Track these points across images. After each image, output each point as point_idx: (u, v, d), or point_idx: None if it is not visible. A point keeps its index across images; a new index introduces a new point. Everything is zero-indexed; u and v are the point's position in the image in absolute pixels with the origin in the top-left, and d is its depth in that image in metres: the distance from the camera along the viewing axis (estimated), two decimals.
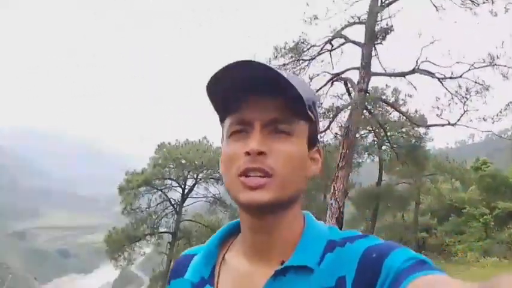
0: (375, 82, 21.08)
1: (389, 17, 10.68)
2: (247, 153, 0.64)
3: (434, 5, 11.30)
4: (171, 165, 23.49)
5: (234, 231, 0.77)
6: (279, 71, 0.62)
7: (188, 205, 24.23)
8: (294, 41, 11.87)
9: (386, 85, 19.10)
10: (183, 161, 23.42)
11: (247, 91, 0.65)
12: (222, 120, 0.71)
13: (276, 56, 11.66)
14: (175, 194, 24.00)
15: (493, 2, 10.55)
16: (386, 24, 10.34)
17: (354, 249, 0.65)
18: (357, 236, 0.68)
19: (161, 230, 23.08)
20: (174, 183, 23.83)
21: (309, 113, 0.67)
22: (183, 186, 23.90)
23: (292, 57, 11.98)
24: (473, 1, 10.78)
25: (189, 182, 24.14)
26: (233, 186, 0.66)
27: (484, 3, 10.68)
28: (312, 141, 0.71)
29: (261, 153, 0.64)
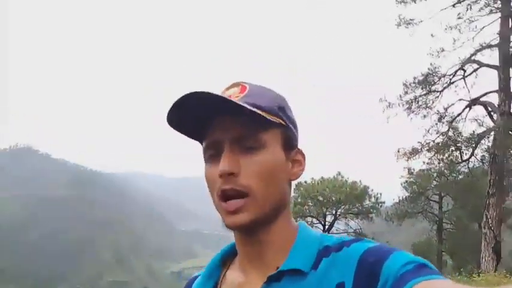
0: None
1: None
2: (220, 176, 0.65)
3: None
4: (310, 203, 24.62)
5: (236, 250, 0.75)
6: (220, 95, 0.63)
7: None
8: (422, 74, 12.11)
9: None
10: (320, 198, 24.35)
11: (211, 114, 0.66)
12: (202, 144, 0.71)
13: (406, 92, 12.03)
14: (317, 231, 24.84)
15: None
16: None
17: (351, 253, 0.64)
18: (352, 239, 0.68)
19: None
20: (315, 220, 24.80)
21: (277, 119, 0.67)
22: (323, 223, 24.71)
23: (422, 88, 12.17)
24: None
25: (328, 218, 24.82)
26: (218, 210, 0.68)
27: None
28: (289, 144, 0.70)
29: (231, 174, 0.64)
